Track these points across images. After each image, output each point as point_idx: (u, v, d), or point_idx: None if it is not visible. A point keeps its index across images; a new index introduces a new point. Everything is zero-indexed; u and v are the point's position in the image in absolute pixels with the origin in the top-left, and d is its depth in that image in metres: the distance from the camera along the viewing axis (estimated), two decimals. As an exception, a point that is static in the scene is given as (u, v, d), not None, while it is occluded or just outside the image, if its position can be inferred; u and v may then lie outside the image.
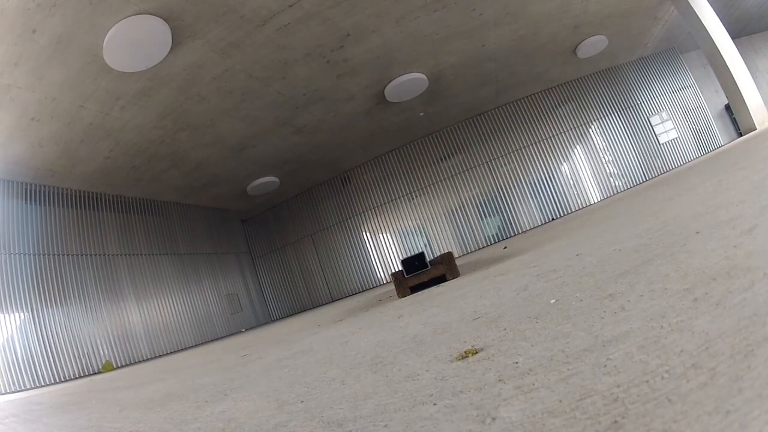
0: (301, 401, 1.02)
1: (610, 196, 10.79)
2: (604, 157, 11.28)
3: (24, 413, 2.75)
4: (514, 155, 11.40)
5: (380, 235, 12.06)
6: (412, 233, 11.84)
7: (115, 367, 7.05)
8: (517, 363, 0.77)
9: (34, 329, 6.27)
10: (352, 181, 12.27)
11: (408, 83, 8.34)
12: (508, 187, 11.35)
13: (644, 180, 10.93)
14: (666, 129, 11.16)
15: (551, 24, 8.16)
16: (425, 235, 11.71)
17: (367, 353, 1.38)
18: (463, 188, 11.55)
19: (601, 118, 11.33)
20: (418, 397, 0.77)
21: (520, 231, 11.01)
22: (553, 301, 1.18)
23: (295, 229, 12.79)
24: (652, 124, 11.20)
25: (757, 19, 10.93)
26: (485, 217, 11.44)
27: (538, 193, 11.26)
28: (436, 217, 11.68)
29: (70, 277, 7.16)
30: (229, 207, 12.03)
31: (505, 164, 11.41)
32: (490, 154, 11.47)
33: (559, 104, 11.38)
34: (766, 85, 10.81)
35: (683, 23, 8.30)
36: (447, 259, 3.58)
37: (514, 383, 0.68)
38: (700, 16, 7.28)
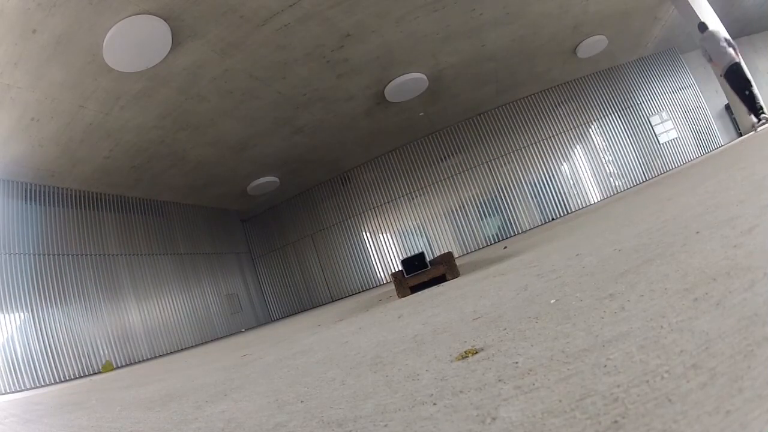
0: (301, 401, 1.02)
1: (610, 196, 10.79)
2: (604, 157, 11.28)
3: (24, 413, 2.75)
4: (514, 155, 11.40)
5: (380, 235, 12.06)
6: (412, 233, 11.85)
7: (115, 367, 7.05)
8: (517, 363, 0.77)
9: (34, 329, 6.27)
10: (352, 181, 12.28)
11: (408, 83, 8.34)
12: (508, 187, 11.35)
13: (644, 180, 10.93)
14: (666, 129, 11.16)
15: (551, 24, 8.16)
16: (425, 235, 11.72)
17: (367, 353, 1.38)
18: (463, 188, 11.55)
19: (601, 118, 11.33)
20: (418, 397, 0.77)
21: (520, 231, 11.01)
22: (553, 301, 1.18)
23: (295, 229, 12.79)
24: (652, 124, 11.20)
25: (757, 19, 10.93)
26: (485, 217, 11.44)
27: (538, 193, 11.26)
28: (436, 217, 11.68)
29: (70, 277, 7.16)
30: (229, 207, 12.04)
31: (505, 164, 11.41)
32: (490, 154, 11.47)
33: (559, 104, 11.38)
34: (766, 85, 10.81)
35: (683, 23, 8.30)
36: (447, 259, 3.58)
37: (514, 383, 0.68)
38: (700, 17, 7.28)
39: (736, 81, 6.32)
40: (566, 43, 9.14)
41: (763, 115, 6.34)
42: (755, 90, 6.41)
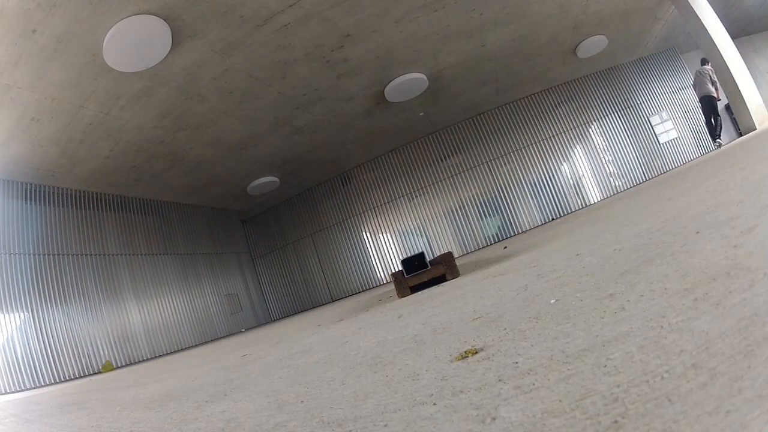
0: (301, 401, 1.02)
1: (611, 196, 10.79)
2: (604, 157, 11.28)
3: (24, 413, 2.76)
4: (514, 155, 11.40)
5: (380, 235, 12.06)
6: (412, 233, 11.85)
7: (115, 367, 7.05)
8: (517, 363, 0.77)
9: (34, 329, 6.27)
10: (352, 181, 12.28)
11: (408, 83, 8.34)
12: (508, 187, 11.35)
13: (644, 180, 10.93)
14: (666, 129, 11.16)
15: (551, 24, 8.16)
16: (425, 235, 11.72)
17: (367, 353, 1.38)
18: (463, 188, 11.55)
19: (601, 118, 11.33)
20: (418, 397, 0.77)
21: (520, 231, 11.01)
22: (553, 301, 1.18)
23: (295, 229, 12.79)
24: (652, 124, 11.20)
25: (757, 19, 10.93)
26: (485, 217, 11.44)
27: (538, 193, 11.25)
28: (436, 217, 11.68)
29: (70, 277, 7.16)
30: (229, 207, 12.04)
31: (505, 164, 11.41)
32: (490, 154, 11.47)
33: (559, 104, 11.38)
34: (766, 85, 10.81)
35: (683, 23, 8.30)
36: (447, 259, 3.57)
37: (514, 383, 0.68)
38: (700, 16, 7.27)
39: (707, 109, 8.63)
40: (566, 43, 9.14)
41: (718, 141, 8.75)
42: (720, 121, 8.72)
